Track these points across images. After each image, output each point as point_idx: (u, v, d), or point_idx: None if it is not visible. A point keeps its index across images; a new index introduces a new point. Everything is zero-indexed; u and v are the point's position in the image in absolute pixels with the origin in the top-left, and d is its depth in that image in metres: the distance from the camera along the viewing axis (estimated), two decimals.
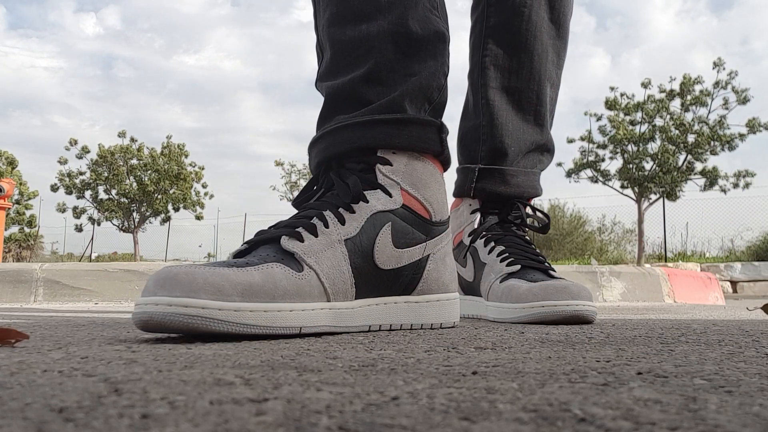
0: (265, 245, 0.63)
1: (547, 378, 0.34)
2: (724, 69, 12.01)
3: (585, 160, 12.52)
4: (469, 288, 1.00)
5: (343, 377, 0.34)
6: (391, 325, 0.70)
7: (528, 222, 0.99)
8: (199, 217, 15.88)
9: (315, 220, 0.65)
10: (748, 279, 7.66)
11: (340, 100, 0.74)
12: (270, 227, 0.66)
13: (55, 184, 15.27)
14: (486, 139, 0.99)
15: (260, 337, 0.57)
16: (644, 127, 12.22)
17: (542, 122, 1.02)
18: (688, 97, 12.07)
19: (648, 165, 12.09)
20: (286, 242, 0.62)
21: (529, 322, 0.83)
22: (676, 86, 12.21)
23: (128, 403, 0.26)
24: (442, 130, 0.75)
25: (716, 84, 12.01)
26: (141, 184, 14.96)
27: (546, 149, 1.04)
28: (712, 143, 11.70)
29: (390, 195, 0.70)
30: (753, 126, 11.45)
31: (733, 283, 7.66)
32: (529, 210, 1.01)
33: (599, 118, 12.59)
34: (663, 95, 12.28)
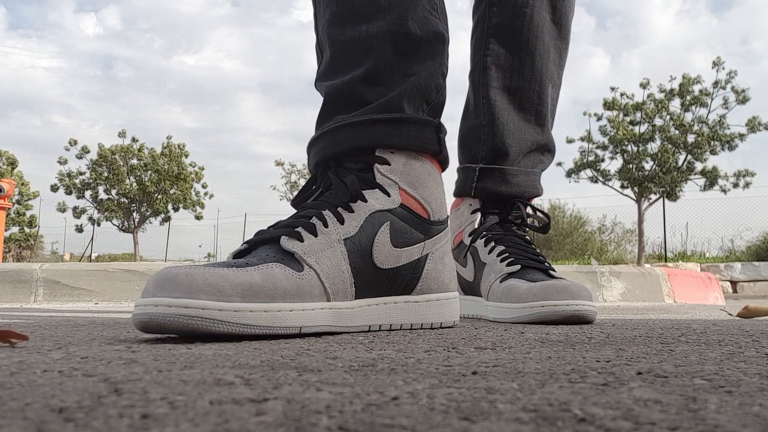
0: (265, 245, 0.63)
1: (547, 378, 0.34)
2: (723, 68, 12.02)
3: (585, 161, 12.52)
4: (469, 288, 1.00)
5: (343, 377, 0.34)
6: (391, 325, 0.70)
7: (528, 222, 0.99)
8: (198, 217, 15.88)
9: (314, 220, 0.65)
10: (748, 279, 7.66)
11: (339, 100, 0.74)
12: (269, 227, 0.66)
13: (55, 185, 15.28)
14: (487, 138, 1.00)
15: (260, 337, 0.57)
16: (644, 127, 12.23)
17: (543, 122, 1.02)
18: (688, 97, 12.07)
19: (648, 165, 12.10)
20: (286, 242, 0.62)
21: (529, 322, 0.83)
22: (675, 86, 12.23)
23: (128, 403, 0.26)
24: (440, 130, 0.75)
25: (716, 84, 12.02)
26: (141, 184, 14.97)
27: (547, 149, 1.04)
28: (711, 143, 11.70)
29: (388, 194, 0.70)
30: (753, 125, 11.45)
31: (733, 283, 7.66)
32: (529, 210, 1.01)
33: (599, 118, 12.60)
34: (663, 95, 12.29)
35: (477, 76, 1.02)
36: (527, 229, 1.01)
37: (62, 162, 15.25)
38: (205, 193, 16.14)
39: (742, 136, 11.67)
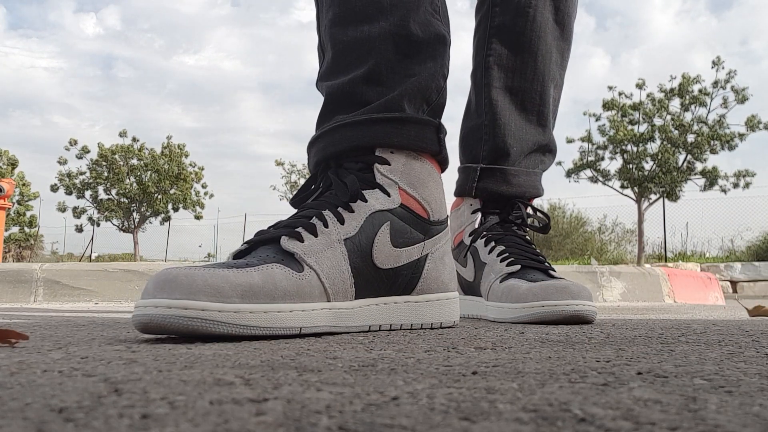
0: (265, 245, 0.63)
1: (547, 378, 0.34)
2: (723, 68, 12.02)
3: (585, 161, 12.52)
4: (470, 288, 1.00)
5: (343, 377, 0.34)
6: (391, 325, 0.70)
7: (529, 222, 0.99)
8: (198, 217, 15.89)
9: (314, 220, 0.65)
10: (748, 279, 7.66)
11: (339, 100, 0.74)
12: (269, 227, 0.66)
13: (55, 185, 15.28)
14: (488, 138, 1.00)
15: (260, 338, 0.57)
16: (643, 127, 12.23)
17: (545, 123, 1.02)
18: (687, 97, 12.07)
19: (648, 165, 12.10)
20: (286, 242, 0.62)
21: (529, 322, 0.83)
22: (675, 86, 12.22)
23: (128, 403, 0.26)
24: (440, 130, 0.75)
25: (715, 83, 12.02)
26: (141, 184, 14.97)
27: (548, 150, 1.04)
28: (711, 143, 11.70)
29: (388, 194, 0.70)
30: (752, 124, 11.45)
31: (733, 283, 7.66)
32: (529, 210, 1.01)
33: (598, 119, 12.60)
34: (662, 95, 12.28)
35: (479, 76, 1.02)
36: (527, 229, 1.01)
37: (62, 162, 15.25)
38: (205, 193, 16.15)
39: (741, 136, 11.67)
